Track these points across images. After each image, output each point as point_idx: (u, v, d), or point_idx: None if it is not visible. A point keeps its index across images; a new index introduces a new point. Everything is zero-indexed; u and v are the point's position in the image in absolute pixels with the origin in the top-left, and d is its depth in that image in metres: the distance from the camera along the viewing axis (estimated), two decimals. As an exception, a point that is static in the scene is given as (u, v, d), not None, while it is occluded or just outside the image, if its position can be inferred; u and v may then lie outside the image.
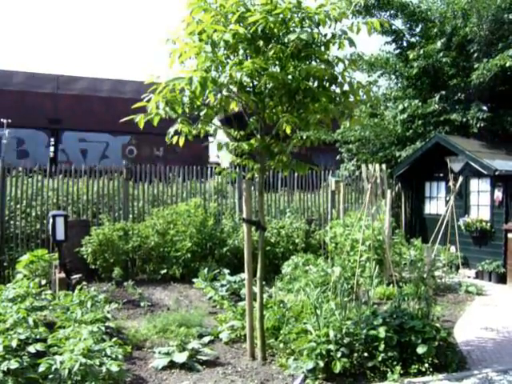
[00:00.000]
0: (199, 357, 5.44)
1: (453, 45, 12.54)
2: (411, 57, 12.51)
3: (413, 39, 13.71)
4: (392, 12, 13.26)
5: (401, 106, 13.00)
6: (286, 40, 4.97)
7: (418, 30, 13.61)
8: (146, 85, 5.26)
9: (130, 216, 10.45)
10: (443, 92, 12.60)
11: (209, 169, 11.56)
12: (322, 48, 5.28)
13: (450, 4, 12.78)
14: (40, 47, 57.30)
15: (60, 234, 7.93)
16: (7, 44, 54.09)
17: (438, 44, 12.31)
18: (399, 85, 14.10)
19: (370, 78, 14.20)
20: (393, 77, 14.07)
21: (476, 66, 11.73)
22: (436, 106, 12.53)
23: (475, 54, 12.25)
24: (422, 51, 12.43)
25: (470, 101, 12.38)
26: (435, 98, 12.58)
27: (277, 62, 5.14)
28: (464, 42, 12.43)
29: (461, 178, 10.34)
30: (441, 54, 12.37)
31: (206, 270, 8.95)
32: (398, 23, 13.66)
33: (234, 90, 5.26)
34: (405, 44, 13.78)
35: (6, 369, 4.22)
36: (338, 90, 5.33)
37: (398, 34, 13.67)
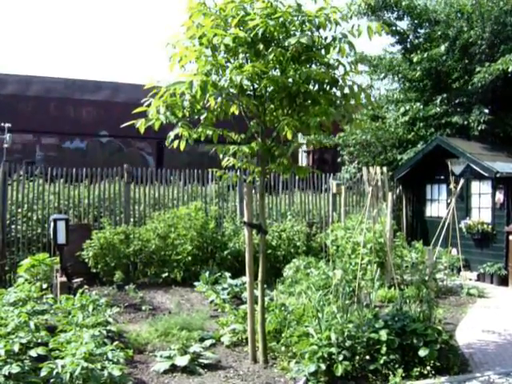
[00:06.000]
0: (201, 360, 5.44)
1: (456, 47, 12.53)
2: (415, 60, 12.48)
3: (417, 41, 13.66)
4: (399, 14, 13.18)
5: (402, 109, 13.00)
6: (286, 43, 4.97)
7: (422, 31, 13.55)
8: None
9: (131, 219, 10.45)
10: (445, 95, 12.60)
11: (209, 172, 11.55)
12: (323, 51, 5.28)
13: (456, 6, 12.73)
14: (37, 48, 57.57)
15: (61, 238, 7.92)
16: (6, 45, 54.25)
17: (442, 48, 12.28)
18: (401, 87, 14.08)
19: (372, 80, 14.19)
20: (395, 78, 14.04)
21: (478, 69, 11.73)
22: (437, 108, 12.52)
23: (477, 57, 12.25)
24: (425, 54, 12.42)
25: (471, 103, 12.37)
26: (437, 100, 12.57)
27: (277, 66, 5.14)
28: (467, 44, 12.41)
29: (462, 181, 10.32)
30: (444, 58, 12.35)
31: (207, 274, 8.95)
32: (403, 24, 13.63)
33: (235, 93, 5.27)
34: (409, 46, 13.73)
35: (7, 373, 4.21)
36: (338, 93, 5.33)
37: (403, 36, 13.63)
